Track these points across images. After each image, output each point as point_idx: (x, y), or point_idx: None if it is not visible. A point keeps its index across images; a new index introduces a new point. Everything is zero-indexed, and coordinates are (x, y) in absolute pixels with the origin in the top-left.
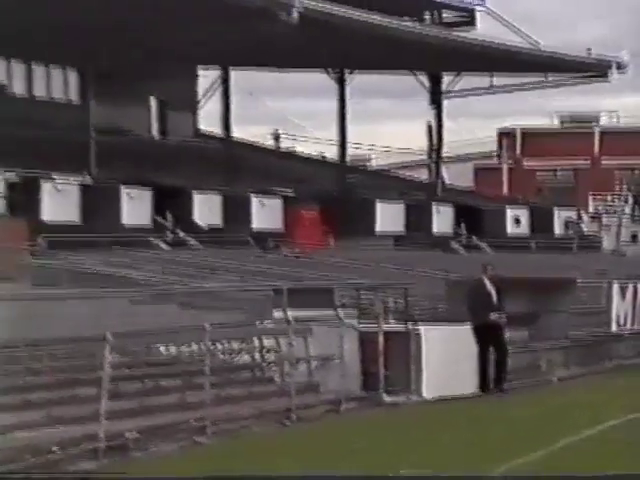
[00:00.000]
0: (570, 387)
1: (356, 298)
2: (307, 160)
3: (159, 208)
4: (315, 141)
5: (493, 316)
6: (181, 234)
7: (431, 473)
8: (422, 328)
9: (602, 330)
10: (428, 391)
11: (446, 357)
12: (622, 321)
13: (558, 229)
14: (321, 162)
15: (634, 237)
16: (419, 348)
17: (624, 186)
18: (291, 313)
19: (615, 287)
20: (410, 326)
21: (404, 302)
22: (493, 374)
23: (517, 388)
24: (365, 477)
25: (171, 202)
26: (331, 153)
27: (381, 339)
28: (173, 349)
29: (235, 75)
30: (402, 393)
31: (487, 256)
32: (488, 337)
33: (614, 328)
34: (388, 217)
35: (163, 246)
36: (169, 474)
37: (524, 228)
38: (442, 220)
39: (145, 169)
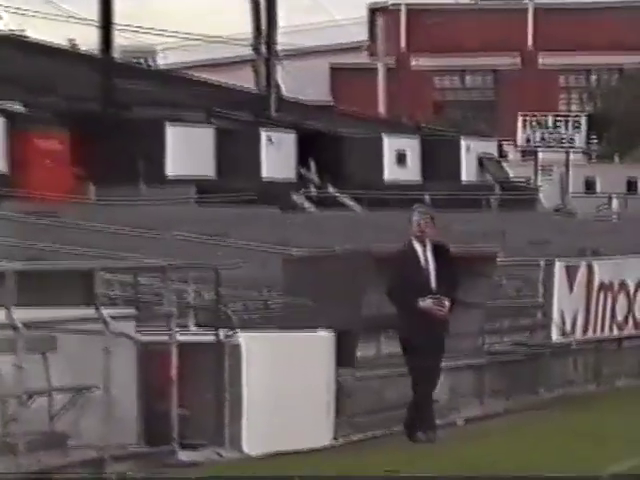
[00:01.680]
0: (485, 432)
1: (133, 287)
2: (47, 52)
3: None
4: (61, 20)
5: (424, 302)
6: None
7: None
8: (243, 337)
9: (537, 339)
10: (251, 443)
11: (283, 385)
12: (569, 324)
13: (467, 172)
14: (71, 56)
15: (589, 185)
16: (238, 371)
17: (574, 100)
18: (21, 313)
19: (559, 268)
20: (223, 334)
21: (214, 294)
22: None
23: (396, 434)
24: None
25: None
26: (88, 41)
27: (175, 356)
28: None
29: None
30: (209, 447)
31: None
32: (424, 343)
33: (556, 336)
34: (187, 151)
35: None
36: None
37: (412, 170)
38: (277, 156)
39: None
